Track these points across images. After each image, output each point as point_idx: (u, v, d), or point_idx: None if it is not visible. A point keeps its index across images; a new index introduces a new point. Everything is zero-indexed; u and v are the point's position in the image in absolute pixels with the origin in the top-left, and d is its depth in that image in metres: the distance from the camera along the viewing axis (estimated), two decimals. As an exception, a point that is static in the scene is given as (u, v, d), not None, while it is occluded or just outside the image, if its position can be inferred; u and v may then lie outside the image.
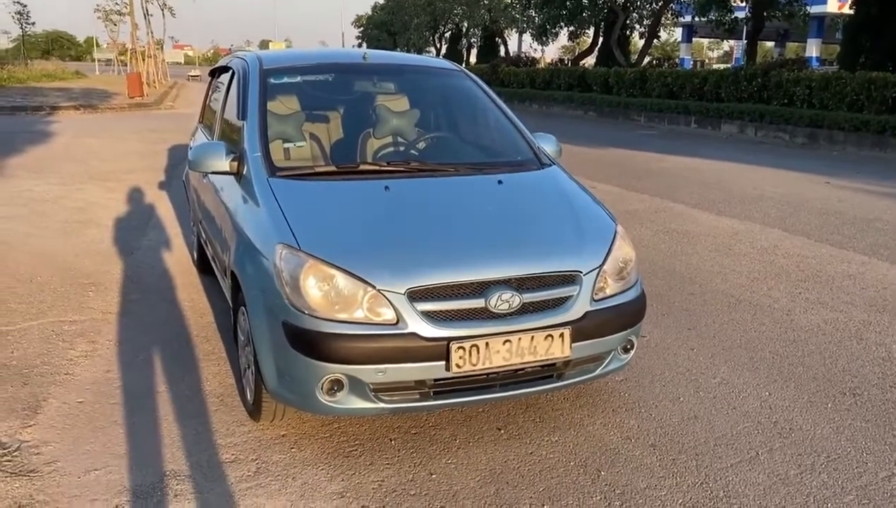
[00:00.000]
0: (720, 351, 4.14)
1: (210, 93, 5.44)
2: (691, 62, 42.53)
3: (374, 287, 2.74)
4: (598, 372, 3.15)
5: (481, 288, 2.81)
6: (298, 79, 4.22)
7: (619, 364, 3.23)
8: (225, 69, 4.90)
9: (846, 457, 3.04)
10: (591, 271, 3.02)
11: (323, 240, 2.89)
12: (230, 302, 3.61)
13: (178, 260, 5.79)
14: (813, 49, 38.34)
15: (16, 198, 8.08)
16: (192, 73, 64.48)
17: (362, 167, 3.72)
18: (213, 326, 4.39)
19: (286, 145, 3.91)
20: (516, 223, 3.27)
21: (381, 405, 2.82)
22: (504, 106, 4.27)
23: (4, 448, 2.96)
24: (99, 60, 72.35)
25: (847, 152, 14.61)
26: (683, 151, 14.05)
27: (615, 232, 3.27)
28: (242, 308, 3.19)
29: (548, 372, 2.99)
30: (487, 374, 2.85)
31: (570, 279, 2.97)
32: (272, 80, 3.98)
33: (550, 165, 3.83)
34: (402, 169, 3.65)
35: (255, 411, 3.18)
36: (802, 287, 5.39)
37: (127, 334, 4.24)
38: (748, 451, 3.08)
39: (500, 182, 3.54)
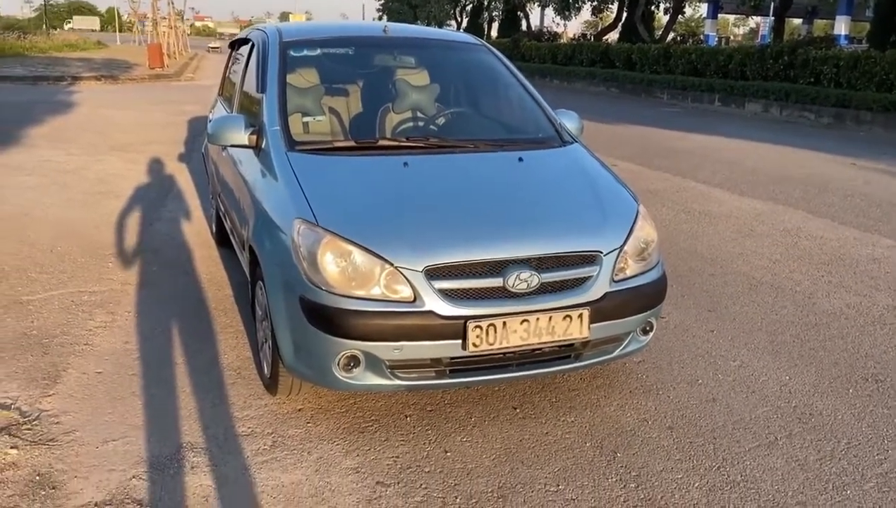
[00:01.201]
0: (740, 334, 4.10)
1: (230, 65, 5.42)
2: (716, 39, 41.78)
3: (391, 264, 2.72)
4: (616, 353, 3.12)
5: (499, 267, 2.78)
6: (318, 52, 4.17)
7: (638, 345, 3.19)
8: (244, 41, 4.86)
9: (867, 444, 3.00)
10: (612, 251, 2.97)
11: (341, 216, 2.87)
12: (248, 275, 3.61)
13: (197, 233, 5.80)
14: (842, 26, 37.43)
15: (37, 168, 8.13)
16: (213, 45, 64.17)
17: (381, 142, 3.69)
18: (231, 299, 4.40)
19: (305, 119, 3.87)
20: (536, 201, 3.22)
21: (398, 382, 2.81)
22: (526, 81, 4.21)
23: (25, 417, 2.99)
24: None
25: (874, 133, 14.33)
26: (707, 130, 13.86)
27: (637, 212, 3.22)
28: (260, 282, 3.18)
29: (565, 352, 2.97)
30: (504, 353, 2.82)
31: (589, 259, 2.93)
32: (292, 53, 3.95)
33: (572, 143, 3.77)
34: (421, 144, 3.61)
35: (271, 385, 3.19)
36: (825, 270, 5.31)
37: (145, 305, 4.27)
38: (767, 436, 3.05)
39: (520, 159, 3.49)
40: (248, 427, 2.99)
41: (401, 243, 2.77)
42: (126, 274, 4.79)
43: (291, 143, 3.36)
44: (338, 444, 2.89)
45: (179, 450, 2.81)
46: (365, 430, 2.99)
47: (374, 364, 2.76)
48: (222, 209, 4.74)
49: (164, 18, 37.16)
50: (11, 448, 2.76)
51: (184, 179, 7.88)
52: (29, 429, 2.91)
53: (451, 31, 5.34)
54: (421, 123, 4.08)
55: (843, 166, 9.99)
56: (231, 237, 4.38)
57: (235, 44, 5.37)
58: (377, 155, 3.47)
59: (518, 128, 4.12)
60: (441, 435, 2.97)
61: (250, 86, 4.12)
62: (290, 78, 3.83)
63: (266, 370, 3.25)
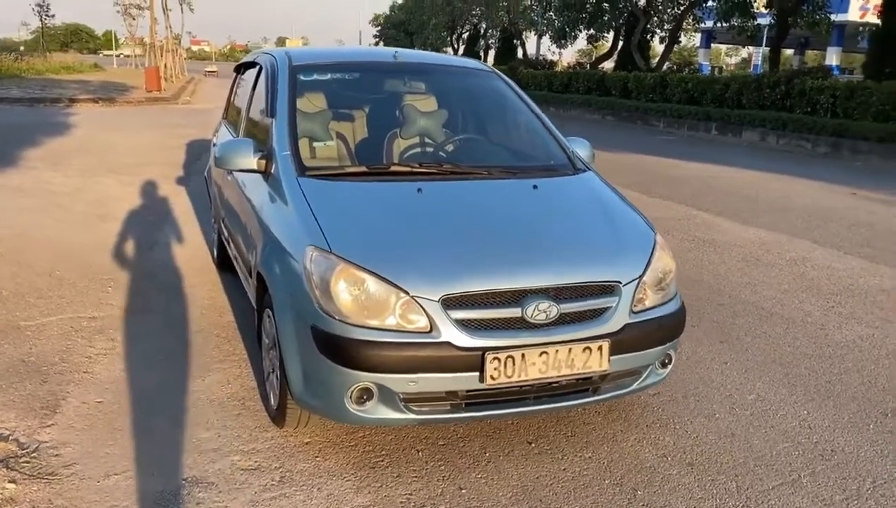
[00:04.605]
0: (754, 366, 4.02)
1: (234, 89, 5.37)
2: (710, 68, 42.19)
3: (407, 293, 2.64)
4: (634, 386, 3.03)
5: (518, 297, 2.70)
6: (328, 76, 4.13)
7: (657, 378, 3.11)
8: (251, 65, 4.81)
9: (893, 483, 2.91)
10: (631, 282, 2.90)
11: (355, 243, 2.80)
12: (254, 303, 3.51)
13: (197, 257, 5.71)
14: (833, 57, 37.93)
15: (35, 189, 8.04)
16: (210, 69, 63.82)
17: (394, 168, 3.62)
18: (233, 325, 4.31)
19: (313, 144, 3.82)
20: (554, 230, 3.15)
21: (411, 416, 2.72)
22: (536, 108, 4.16)
23: (23, 449, 2.88)
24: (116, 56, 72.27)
25: (872, 163, 14.36)
26: (705, 158, 13.87)
27: (655, 241, 3.16)
28: (268, 310, 3.09)
29: (583, 385, 2.88)
30: (521, 386, 2.74)
31: (609, 289, 2.86)
32: (302, 77, 3.90)
33: (585, 170, 3.72)
34: (434, 171, 3.55)
35: (278, 417, 3.09)
36: (835, 300, 5.25)
37: (147, 332, 4.16)
38: (790, 473, 2.96)
39: (535, 187, 3.43)
40: (255, 461, 2.88)
41: (417, 271, 2.69)
42: (126, 300, 4.68)
43: (302, 168, 3.29)
44: (348, 480, 2.78)
45: (184, 485, 2.70)
46: (376, 465, 2.89)
47: (387, 397, 2.67)
48: (225, 233, 4.66)
49: (161, 43, 37.25)
50: (10, 482, 2.65)
51: (182, 202, 7.80)
52: (27, 462, 2.80)
53: (462, 58, 5.30)
54: (429, 149, 4.03)
55: (844, 196, 9.98)
56: (235, 263, 4.29)
57: (241, 67, 5.32)
58: (390, 181, 3.40)
59: (530, 155, 4.07)
60: (455, 471, 2.87)
61: (258, 110, 4.06)
62: (298, 102, 3.77)
63: (273, 401, 3.14)
